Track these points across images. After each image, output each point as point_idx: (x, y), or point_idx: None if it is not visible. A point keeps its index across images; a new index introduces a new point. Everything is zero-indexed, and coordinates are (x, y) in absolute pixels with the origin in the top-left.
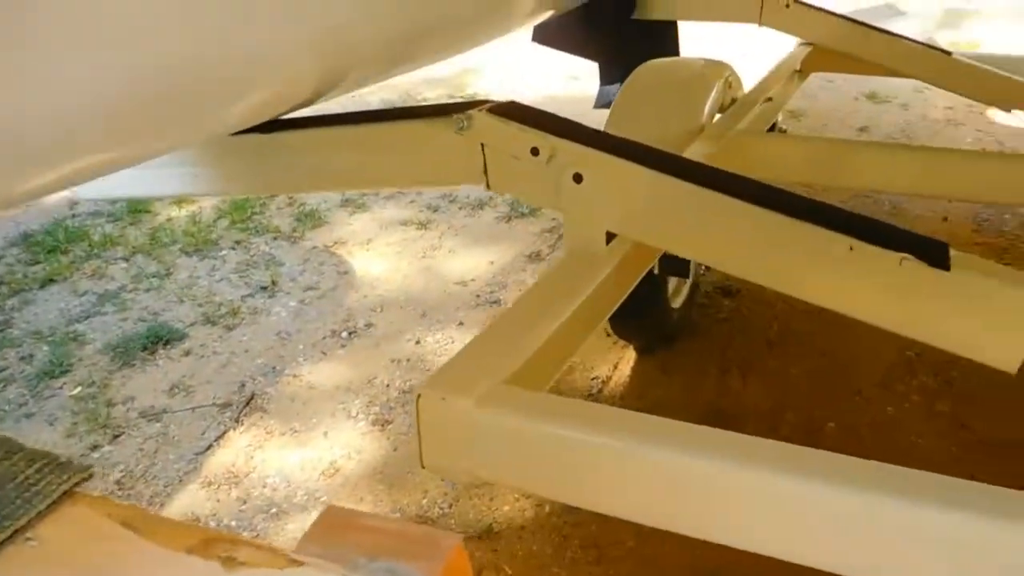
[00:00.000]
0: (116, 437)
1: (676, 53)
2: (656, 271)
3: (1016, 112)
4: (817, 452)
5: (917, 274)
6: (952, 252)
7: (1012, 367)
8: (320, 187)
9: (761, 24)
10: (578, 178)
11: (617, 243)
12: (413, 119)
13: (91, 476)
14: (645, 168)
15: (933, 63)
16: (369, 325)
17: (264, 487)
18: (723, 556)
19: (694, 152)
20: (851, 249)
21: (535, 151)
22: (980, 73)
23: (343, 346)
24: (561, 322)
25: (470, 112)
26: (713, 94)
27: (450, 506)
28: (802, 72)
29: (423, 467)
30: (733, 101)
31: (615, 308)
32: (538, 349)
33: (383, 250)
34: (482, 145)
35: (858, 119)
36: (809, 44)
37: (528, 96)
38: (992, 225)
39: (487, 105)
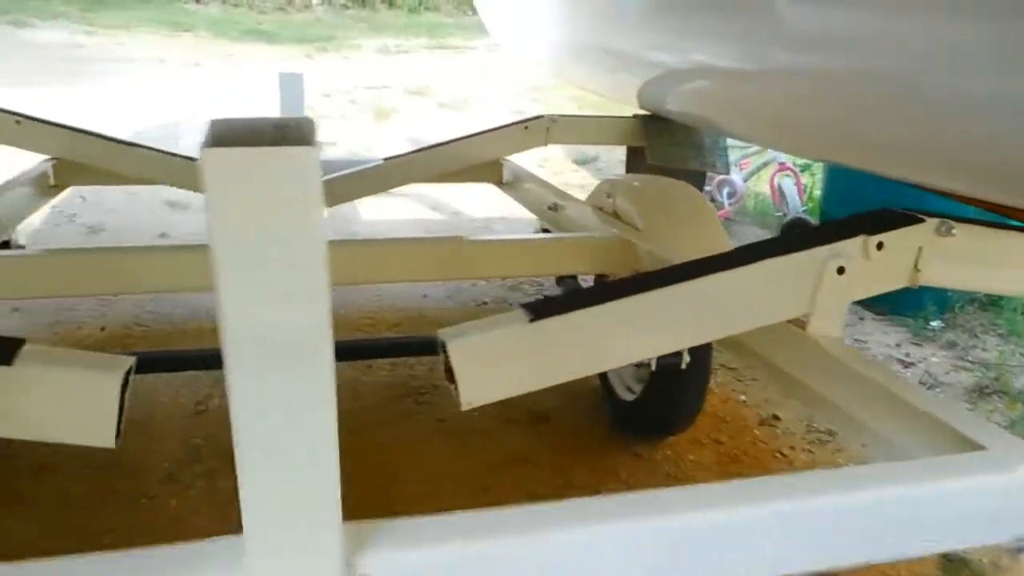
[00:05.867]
0: None
1: None
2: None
3: None
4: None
5: None
6: (26, 347)
7: (109, 442)
8: None
9: None
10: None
11: None
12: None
13: None
14: None
15: (178, 168)
16: None
17: None
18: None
19: None
20: None
21: None
22: None
23: None
24: None
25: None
26: None
27: None
28: (58, 186)
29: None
30: None
31: None
32: None
33: None
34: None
35: (158, 226)
36: (54, 159)
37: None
38: None
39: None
